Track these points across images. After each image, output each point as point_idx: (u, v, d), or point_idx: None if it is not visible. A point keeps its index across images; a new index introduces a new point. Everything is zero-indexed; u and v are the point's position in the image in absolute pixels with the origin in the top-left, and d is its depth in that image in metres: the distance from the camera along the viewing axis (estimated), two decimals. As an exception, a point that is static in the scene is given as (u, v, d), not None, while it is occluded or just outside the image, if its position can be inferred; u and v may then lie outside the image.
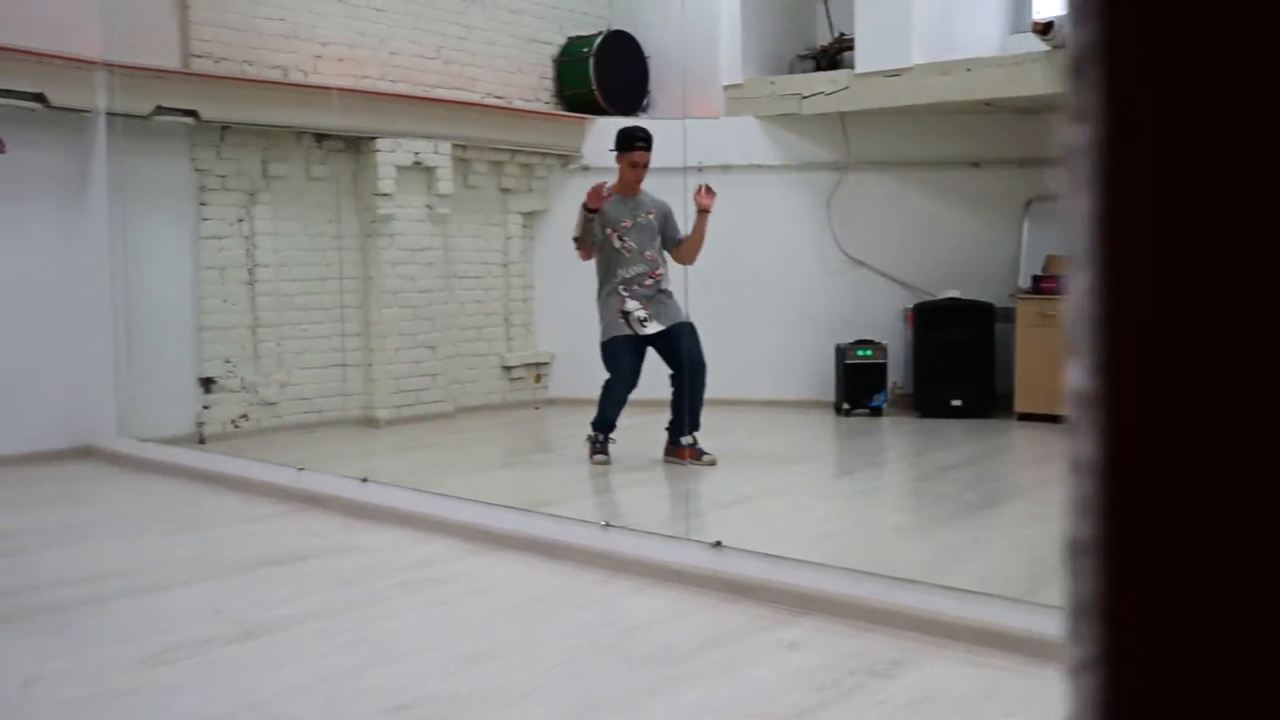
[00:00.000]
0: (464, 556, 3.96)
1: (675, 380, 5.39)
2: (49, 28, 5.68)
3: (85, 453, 6.03)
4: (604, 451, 5.39)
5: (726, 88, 7.57)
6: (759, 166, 7.43)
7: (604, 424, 5.39)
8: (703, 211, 5.34)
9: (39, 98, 5.59)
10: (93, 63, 5.78)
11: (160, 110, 5.91)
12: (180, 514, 4.77)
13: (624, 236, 5.38)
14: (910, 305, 7.20)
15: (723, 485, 5.20)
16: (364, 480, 4.73)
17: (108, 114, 5.88)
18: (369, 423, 6.99)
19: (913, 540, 4.25)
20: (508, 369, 7.75)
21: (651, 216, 5.46)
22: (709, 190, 5.34)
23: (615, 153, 5.46)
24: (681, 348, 5.33)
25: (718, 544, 3.54)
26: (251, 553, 4.03)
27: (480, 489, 4.59)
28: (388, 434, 6.87)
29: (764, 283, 7.34)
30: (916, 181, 7.38)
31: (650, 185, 5.55)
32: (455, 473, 5.68)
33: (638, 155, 5.40)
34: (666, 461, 5.41)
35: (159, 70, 5.92)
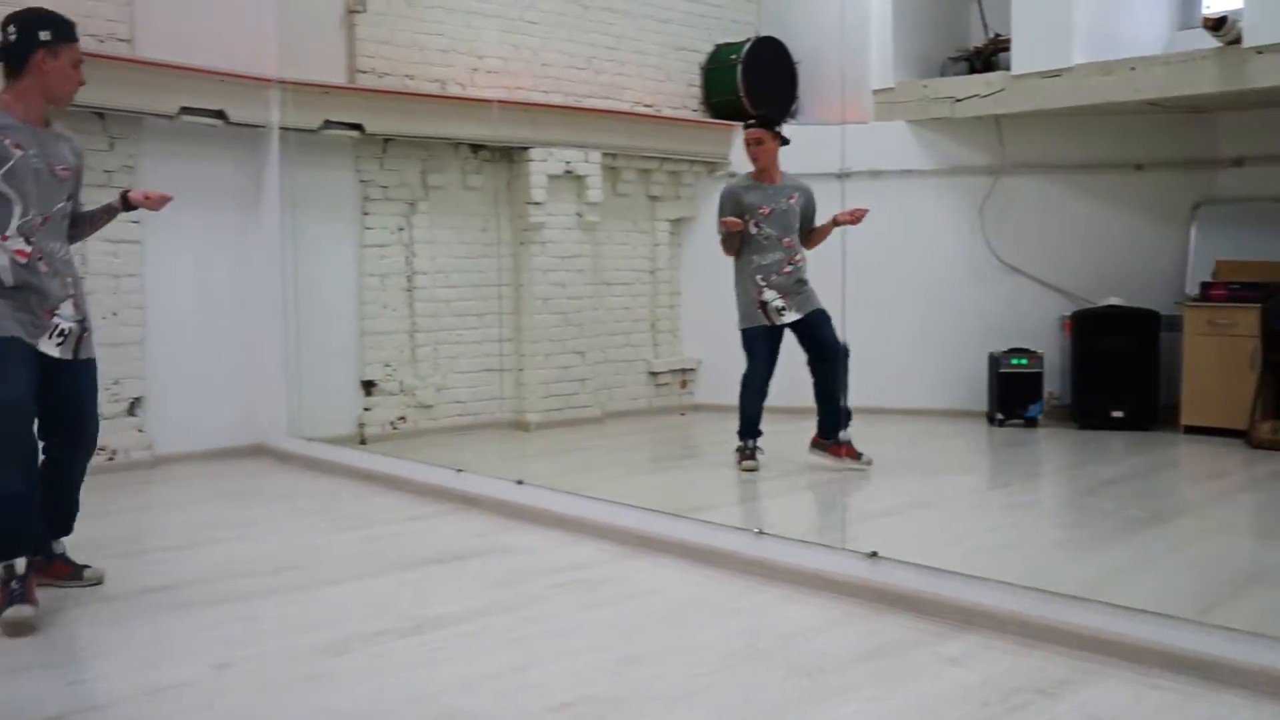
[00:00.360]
0: (617, 560, 4.03)
1: (816, 368, 5.40)
2: (230, 49, 6.03)
3: (257, 451, 6.36)
4: (752, 458, 5.41)
5: (876, 92, 7.49)
6: (910, 172, 7.33)
7: (748, 422, 5.42)
8: (839, 224, 5.35)
9: (220, 114, 5.94)
10: (268, 81, 6.11)
11: (328, 124, 6.20)
12: (345, 511, 4.99)
13: (761, 224, 5.40)
14: (1068, 313, 6.98)
15: (874, 495, 5.15)
16: (519, 483, 4.85)
17: (280, 128, 6.19)
18: (520, 426, 7.16)
19: (1076, 556, 4.13)
20: (654, 374, 7.84)
21: (793, 201, 5.46)
22: (857, 216, 5.29)
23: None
24: (821, 334, 5.34)
25: (873, 554, 3.51)
26: (415, 550, 4.19)
27: (630, 493, 4.66)
28: (538, 437, 7.02)
29: (915, 290, 7.23)
30: (1075, 185, 7.16)
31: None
32: (605, 477, 5.77)
33: (749, 133, 5.45)
34: (813, 454, 5.42)
35: (327, 86, 6.21)
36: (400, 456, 5.74)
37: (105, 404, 5.66)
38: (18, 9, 3.51)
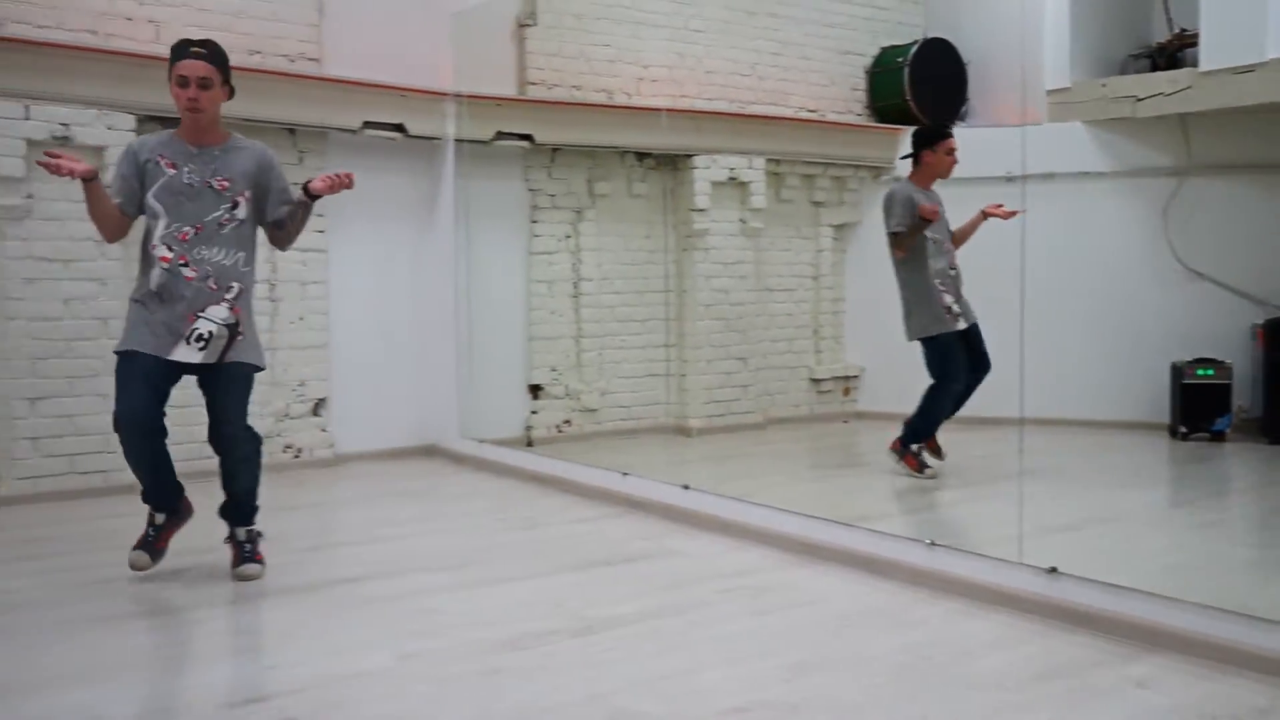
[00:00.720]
0: (784, 567, 4.01)
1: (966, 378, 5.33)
2: (409, 65, 6.31)
3: (430, 452, 6.60)
4: (926, 465, 5.32)
5: (1051, 92, 7.24)
6: (1087, 174, 7.05)
7: (932, 427, 5.33)
8: (989, 216, 5.26)
9: (399, 128, 6.20)
10: (444, 95, 6.35)
11: (500, 135, 6.39)
12: (515, 511, 5.12)
13: (934, 229, 5.31)
14: (1260, 321, 6.59)
15: (1051, 508, 4.96)
16: (685, 487, 4.89)
17: (455, 140, 6.42)
18: (682, 431, 7.21)
19: (1271, 578, 3.90)
20: (816, 381, 7.77)
21: (940, 207, 5.40)
22: (1009, 212, 5.19)
23: (924, 150, 5.39)
24: (980, 346, 5.28)
25: (1052, 570, 3.40)
26: (584, 552, 4.27)
27: (794, 500, 4.63)
28: (700, 443, 7.06)
29: (1092, 296, 6.95)
30: (1268, 186, 6.76)
31: (968, 194, 5.44)
32: (769, 483, 5.75)
33: (955, 141, 5.38)
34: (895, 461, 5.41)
35: (500, 99, 6.40)
36: (566, 459, 5.87)
37: (291, 404, 6.00)
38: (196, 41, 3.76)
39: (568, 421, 6.92)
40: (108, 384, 5.23)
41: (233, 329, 3.72)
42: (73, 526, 4.69)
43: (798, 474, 6.32)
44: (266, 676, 2.95)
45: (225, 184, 3.72)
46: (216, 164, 3.72)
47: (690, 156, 7.05)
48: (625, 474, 5.26)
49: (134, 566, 3.74)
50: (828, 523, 4.21)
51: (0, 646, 3.17)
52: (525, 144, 6.49)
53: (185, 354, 3.65)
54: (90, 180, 3.49)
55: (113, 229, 3.69)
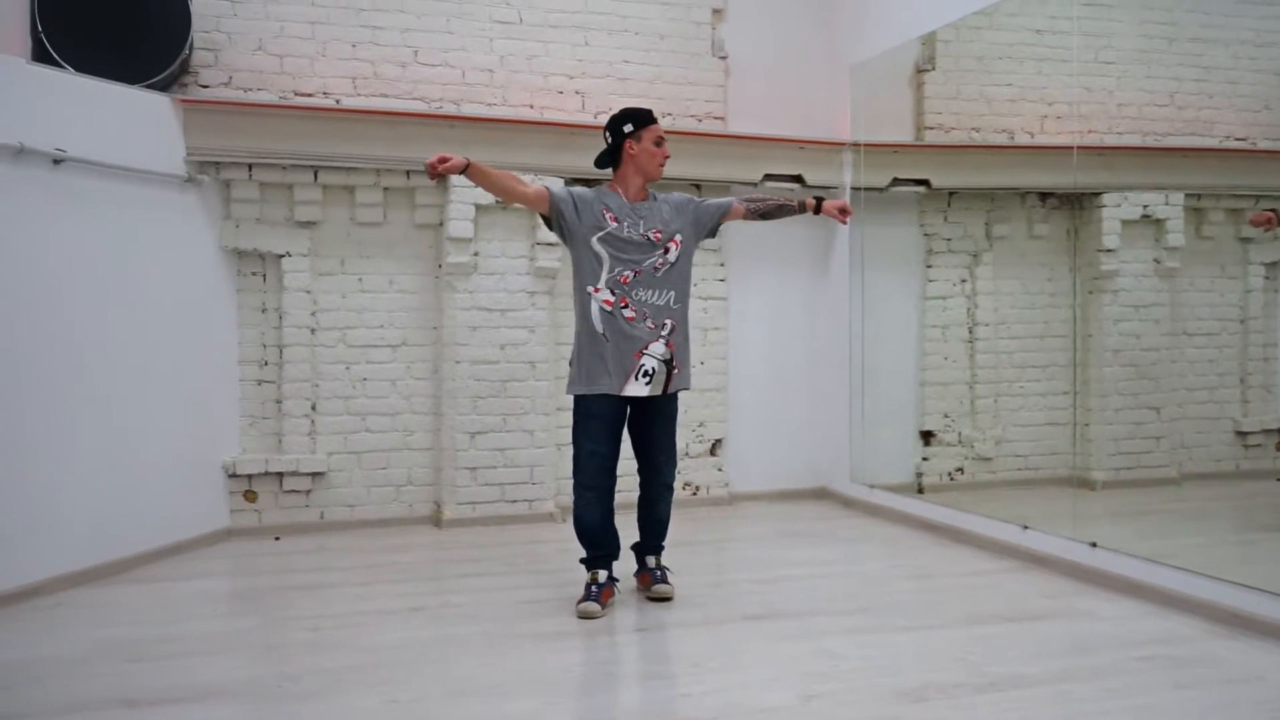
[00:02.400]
0: (1209, 638, 3.71)
1: None
2: (808, 118, 6.55)
3: (820, 494, 6.70)
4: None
5: None
6: None
7: None
8: None
9: (797, 178, 6.41)
10: (841, 144, 6.49)
11: (896, 182, 6.42)
12: (908, 559, 5.09)
13: None
14: None
15: None
16: (1093, 545, 4.64)
17: (852, 188, 6.53)
18: (1084, 484, 6.81)
19: None
20: (1242, 434, 7.05)
21: None
22: None
23: None
24: None
25: None
26: (983, 606, 4.17)
27: (1221, 565, 4.24)
28: (1105, 497, 6.62)
29: None
30: None
31: None
32: (1188, 544, 5.29)
33: None
34: None
35: (897, 145, 6.44)
36: (959, 508, 5.74)
37: (690, 444, 6.33)
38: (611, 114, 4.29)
39: (960, 469, 6.76)
40: (535, 421, 5.86)
41: (669, 363, 4.09)
42: (503, 549, 5.23)
43: (1222, 536, 5.77)
44: (679, 703, 3.15)
45: (658, 234, 4.13)
46: (648, 217, 4.14)
47: (1098, 194, 6.69)
48: (1025, 527, 5.07)
49: (585, 616, 4.01)
50: (1262, 593, 3.84)
51: (456, 654, 3.63)
52: (922, 189, 6.48)
53: (634, 389, 4.05)
54: (467, 170, 3.93)
55: (519, 198, 4.13)
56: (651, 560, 4.32)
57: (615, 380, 4.03)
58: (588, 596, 4.07)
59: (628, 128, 4.14)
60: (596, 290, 4.06)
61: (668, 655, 3.60)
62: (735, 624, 3.96)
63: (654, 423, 4.19)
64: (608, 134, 4.20)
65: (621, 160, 4.18)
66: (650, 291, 4.08)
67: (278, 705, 3.14)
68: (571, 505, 4.21)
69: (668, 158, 4.21)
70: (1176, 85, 7.03)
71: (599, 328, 4.04)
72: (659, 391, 4.08)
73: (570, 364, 4.17)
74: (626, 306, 4.04)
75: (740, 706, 3.08)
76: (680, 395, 4.26)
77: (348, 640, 3.75)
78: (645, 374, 4.03)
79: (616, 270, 4.06)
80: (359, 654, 3.60)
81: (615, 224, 4.08)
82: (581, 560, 4.21)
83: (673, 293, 4.12)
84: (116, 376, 4.82)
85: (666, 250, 4.12)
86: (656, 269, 4.10)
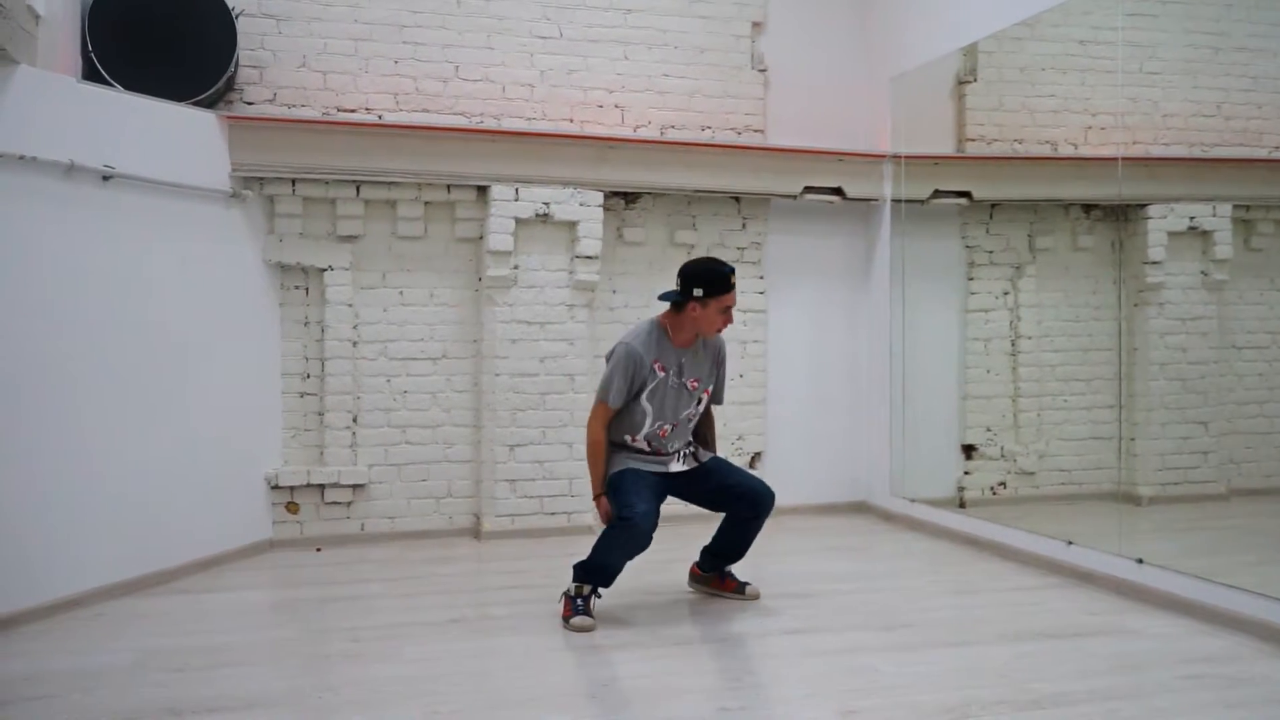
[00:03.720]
0: (1260, 657, 3.64)
1: None
2: (848, 131, 6.54)
3: (860, 508, 6.65)
4: None
5: None
6: None
7: None
8: None
9: (837, 191, 6.39)
10: (881, 156, 6.46)
11: (937, 194, 6.38)
12: (949, 574, 5.04)
13: None
14: None
15: None
16: (1139, 561, 4.57)
17: (892, 201, 6.50)
18: (1130, 499, 6.71)
19: None
20: (1294, 450, 6.92)
21: None
22: None
23: None
24: None
25: None
26: (1026, 622, 4.12)
27: (1273, 583, 4.16)
28: (1152, 512, 6.51)
29: None
30: None
31: None
32: (1239, 562, 5.19)
33: None
34: None
35: (938, 157, 6.40)
36: (1002, 523, 5.67)
37: (729, 457, 6.29)
38: (695, 260, 4.32)
39: (1003, 484, 6.69)
40: (574, 434, 5.88)
41: (692, 448, 4.34)
42: (541, 561, 5.24)
43: (1273, 553, 5.64)
44: (717, 718, 3.13)
45: (696, 384, 4.23)
46: (692, 366, 4.21)
47: (1144, 206, 6.61)
48: (1069, 543, 5.01)
49: (581, 630, 4.02)
50: (1317, 613, 3.76)
51: (496, 666, 3.64)
52: (963, 201, 6.43)
53: (676, 467, 4.25)
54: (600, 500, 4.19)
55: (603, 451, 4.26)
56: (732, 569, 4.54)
57: (656, 467, 4.24)
58: (577, 610, 4.08)
59: (698, 292, 4.10)
60: (635, 439, 4.21)
61: (706, 669, 3.58)
62: (774, 638, 3.94)
63: (724, 470, 4.36)
64: (679, 281, 4.17)
65: (684, 309, 4.16)
66: (679, 440, 4.28)
67: (318, 716, 3.16)
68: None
69: (729, 323, 4.22)
70: (1224, 95, 6.93)
71: (630, 463, 4.19)
72: (694, 465, 4.31)
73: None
74: (657, 454, 4.23)
75: (779, 722, 3.06)
76: (720, 408, 4.43)
77: (388, 652, 3.77)
78: (679, 459, 4.29)
79: (656, 425, 4.19)
80: (399, 665, 3.61)
81: (662, 374, 4.16)
82: (578, 574, 4.17)
83: (690, 436, 4.33)
84: (162, 389, 4.89)
85: (699, 401, 4.27)
86: (690, 419, 4.27)
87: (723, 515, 4.41)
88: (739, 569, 4.62)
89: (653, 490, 4.10)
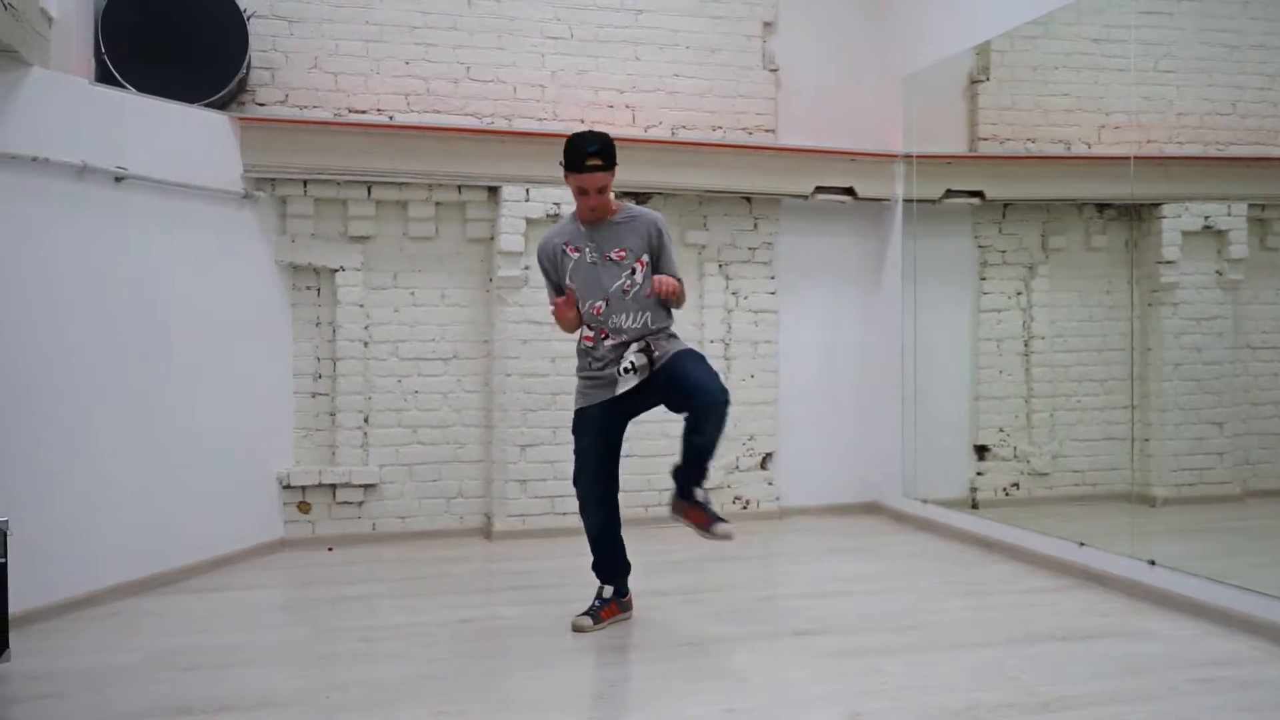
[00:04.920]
0: (1275, 661, 3.61)
1: None
2: (859, 130, 6.53)
3: (871, 509, 6.64)
4: None
5: None
6: None
7: None
8: None
9: (849, 191, 6.38)
10: (893, 156, 6.45)
11: (949, 193, 6.36)
12: (960, 576, 5.02)
13: None
14: None
15: None
16: (1151, 563, 4.55)
17: (904, 200, 6.48)
18: (1144, 500, 6.67)
19: None
20: (1310, 451, 6.88)
21: None
22: None
23: None
24: None
25: None
26: (1037, 624, 4.10)
27: (1284, 585, 4.15)
28: (1165, 514, 6.48)
29: None
30: None
31: None
32: (1252, 564, 5.16)
33: None
34: None
35: (950, 157, 6.38)
36: (1014, 524, 5.65)
37: (740, 457, 6.30)
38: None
39: (1015, 484, 6.66)
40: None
41: (648, 352, 3.97)
42: (551, 563, 5.24)
43: (1289, 556, 5.62)
44: (727, 718, 3.13)
45: (622, 253, 4.01)
46: (609, 239, 4.02)
47: (1157, 205, 6.58)
48: (1081, 544, 4.99)
49: (574, 629, 4.01)
50: (1328, 616, 3.74)
51: (505, 667, 3.64)
52: (976, 201, 6.41)
53: (624, 386, 3.97)
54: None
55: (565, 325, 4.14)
56: (700, 493, 3.96)
57: (604, 392, 4.03)
58: (588, 610, 4.09)
59: (560, 161, 3.97)
60: (586, 337, 4.08)
61: (714, 670, 3.58)
62: (783, 639, 3.94)
63: (676, 375, 3.95)
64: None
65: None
66: (624, 315, 3.99)
67: (327, 715, 3.17)
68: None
69: (591, 208, 3.98)
70: (1239, 94, 6.89)
71: (586, 362, 4.08)
72: (646, 375, 3.95)
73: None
74: (606, 337, 4.01)
75: (786, 724, 3.06)
76: (730, 409, 4.14)
77: (398, 651, 3.78)
78: (628, 369, 3.93)
79: (588, 304, 4.00)
80: (408, 665, 3.62)
81: (576, 254, 4.02)
82: (597, 572, 4.21)
83: (647, 314, 4.00)
84: (174, 389, 4.92)
85: (633, 271, 4.00)
86: (625, 291, 3.98)
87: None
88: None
89: (601, 434, 4.03)
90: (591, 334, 4.05)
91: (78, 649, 3.84)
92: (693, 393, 3.88)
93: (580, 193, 3.96)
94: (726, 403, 3.91)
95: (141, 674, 3.55)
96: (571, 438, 4.16)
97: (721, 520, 3.92)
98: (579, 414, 4.12)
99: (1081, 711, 3.13)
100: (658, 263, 4.06)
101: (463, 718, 3.13)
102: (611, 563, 4.17)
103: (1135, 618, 4.18)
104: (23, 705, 3.27)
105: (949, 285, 6.63)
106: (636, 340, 3.99)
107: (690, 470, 3.96)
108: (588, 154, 3.88)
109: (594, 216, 4.03)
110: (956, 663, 3.61)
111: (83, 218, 4.47)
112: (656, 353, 3.99)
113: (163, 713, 3.18)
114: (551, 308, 4.11)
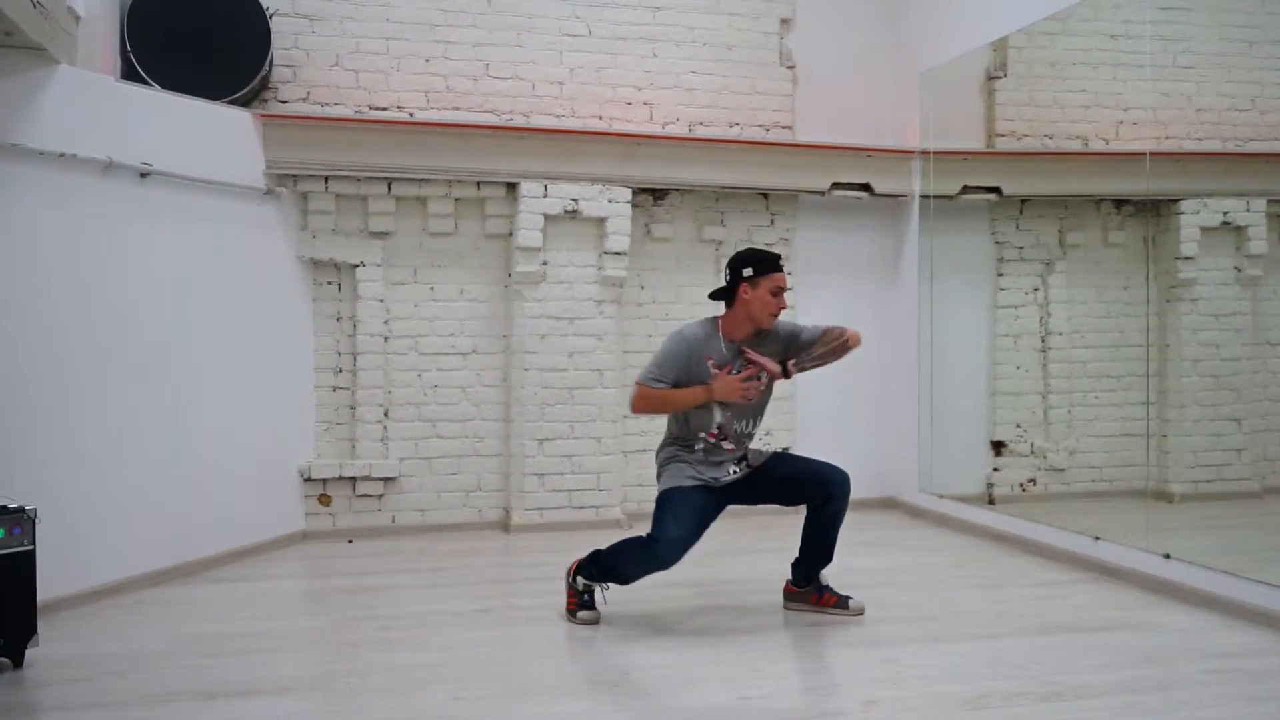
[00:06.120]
0: (1287, 653, 3.62)
1: None
2: (876, 126, 6.55)
3: (889, 504, 6.66)
4: None
5: None
6: None
7: None
8: None
9: (866, 187, 6.40)
10: (910, 152, 6.46)
11: (966, 189, 6.37)
12: (976, 569, 5.04)
13: None
14: None
15: None
16: (1166, 557, 4.56)
17: (921, 196, 6.49)
18: (1162, 496, 6.66)
19: None
20: (1330, 448, 6.85)
21: None
22: None
23: None
24: None
25: None
26: (1051, 616, 4.12)
27: (1303, 580, 4.15)
28: (1182, 510, 6.46)
29: None
30: None
31: None
32: (1269, 559, 5.16)
33: None
34: None
35: (967, 153, 6.39)
36: (1031, 519, 5.66)
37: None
38: (739, 250, 4.17)
39: (1032, 480, 6.66)
40: (603, 428, 5.93)
41: (744, 459, 4.13)
42: (568, 555, 5.22)
43: (1307, 551, 5.61)
44: (739, 707, 3.16)
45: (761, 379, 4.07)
46: (761, 345, 4.05)
47: (1176, 201, 6.56)
48: (1097, 539, 5.00)
49: (587, 622, 4.06)
50: (1344, 609, 3.74)
51: (521, 655, 3.69)
52: (993, 197, 6.42)
53: (730, 477, 4.06)
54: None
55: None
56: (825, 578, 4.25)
57: (708, 478, 4.04)
58: (584, 605, 4.10)
59: (747, 271, 3.98)
60: (697, 428, 4.06)
61: (729, 659, 3.61)
62: (798, 629, 3.97)
63: (790, 465, 4.21)
64: (727, 271, 4.08)
65: (735, 300, 4.04)
66: (743, 422, 4.08)
67: (347, 700, 3.22)
68: (635, 512, 4.21)
69: (783, 309, 4.03)
70: (1258, 89, 6.86)
71: (699, 453, 4.07)
72: (748, 470, 4.10)
73: (659, 465, 4.16)
74: (725, 439, 4.07)
75: (800, 711, 3.09)
76: None
77: (415, 640, 3.84)
78: (733, 470, 4.07)
79: (722, 415, 4.03)
80: (426, 653, 3.68)
81: (716, 372, 4.01)
82: (588, 571, 4.14)
83: (759, 418, 4.15)
84: (197, 383, 4.99)
85: (770, 382, 4.11)
86: (760, 407, 4.14)
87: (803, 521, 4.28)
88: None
89: (697, 515, 3.93)
90: (715, 434, 4.08)
91: (103, 635, 3.91)
92: (825, 481, 4.13)
93: (777, 293, 4.00)
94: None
95: (165, 660, 3.61)
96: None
97: (849, 596, 4.20)
98: (675, 490, 4.03)
99: (1093, 701, 3.15)
100: (798, 338, 4.10)
101: (480, 703, 3.18)
102: (621, 583, 4.15)
103: (1149, 610, 4.20)
104: (50, 689, 3.34)
105: (966, 281, 6.64)
106: (739, 442, 4.09)
107: (826, 556, 4.22)
108: (776, 256, 4.05)
109: (749, 333, 4.05)
110: (969, 653, 3.64)
111: (108, 213, 4.54)
112: (751, 458, 4.15)
113: (186, 697, 3.25)
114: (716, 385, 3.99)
